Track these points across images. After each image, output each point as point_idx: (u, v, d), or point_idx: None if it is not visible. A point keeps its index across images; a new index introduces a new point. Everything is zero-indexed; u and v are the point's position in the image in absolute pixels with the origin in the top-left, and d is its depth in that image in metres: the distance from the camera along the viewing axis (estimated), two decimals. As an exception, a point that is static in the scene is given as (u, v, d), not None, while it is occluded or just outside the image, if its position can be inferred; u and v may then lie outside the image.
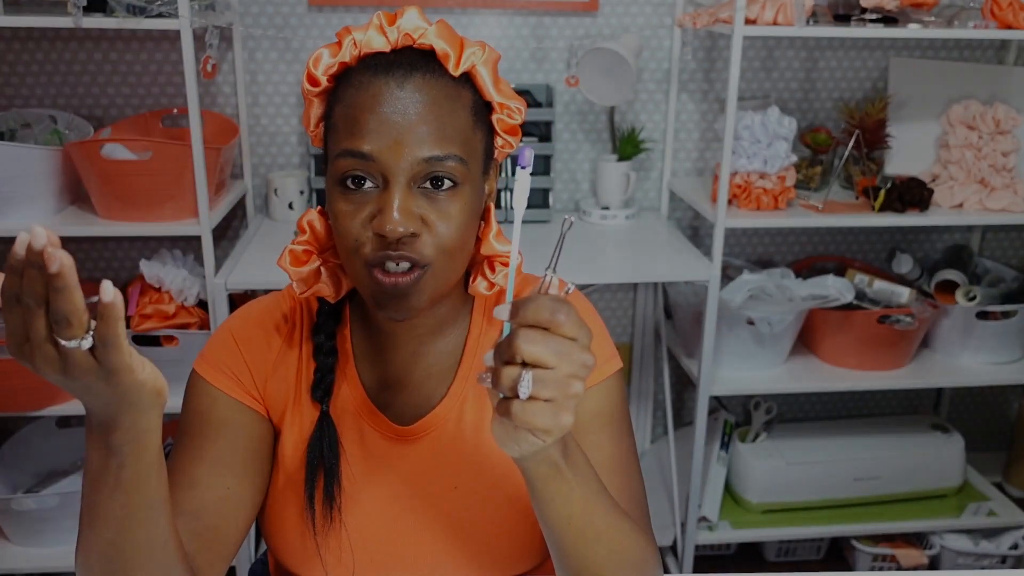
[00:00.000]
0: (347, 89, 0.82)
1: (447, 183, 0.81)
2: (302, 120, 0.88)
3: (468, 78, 0.85)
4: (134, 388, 0.63)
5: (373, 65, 0.81)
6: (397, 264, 0.81)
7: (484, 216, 0.90)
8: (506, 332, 0.65)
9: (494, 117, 0.87)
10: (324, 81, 0.84)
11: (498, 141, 0.89)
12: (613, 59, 1.99)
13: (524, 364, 0.63)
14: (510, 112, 0.87)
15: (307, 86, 0.85)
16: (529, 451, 0.67)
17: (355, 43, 0.82)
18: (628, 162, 2.14)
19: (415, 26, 0.82)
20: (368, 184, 0.81)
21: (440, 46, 0.82)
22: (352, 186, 0.81)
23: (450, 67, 0.82)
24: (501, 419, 0.65)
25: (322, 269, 0.90)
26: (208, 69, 1.75)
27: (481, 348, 0.94)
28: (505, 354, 0.63)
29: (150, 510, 0.71)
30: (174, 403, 1.27)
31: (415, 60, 0.82)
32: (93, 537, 0.72)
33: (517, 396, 0.63)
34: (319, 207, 0.91)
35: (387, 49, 0.82)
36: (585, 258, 1.94)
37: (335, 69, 0.83)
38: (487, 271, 0.90)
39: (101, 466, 0.69)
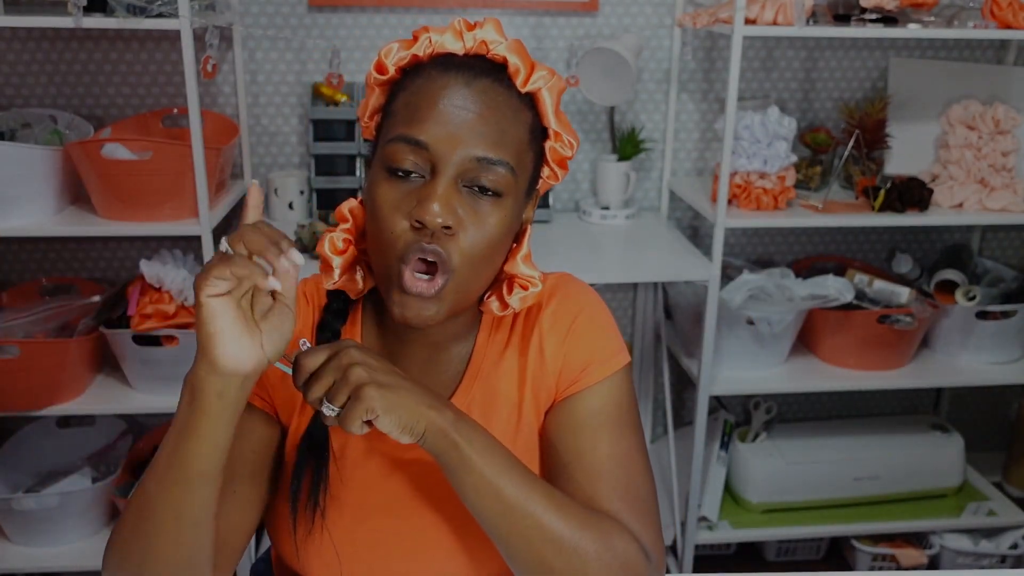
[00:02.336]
0: (414, 80, 0.84)
1: (492, 192, 0.82)
2: (358, 109, 0.90)
3: (531, 100, 0.86)
4: None
5: (443, 63, 0.83)
6: (426, 264, 0.81)
7: (518, 237, 0.91)
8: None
9: (547, 144, 0.88)
10: (392, 70, 0.85)
11: (545, 171, 0.90)
12: (613, 59, 2.00)
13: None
14: (563, 143, 0.88)
15: (375, 74, 0.86)
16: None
17: (430, 41, 0.84)
18: (628, 162, 2.14)
19: (492, 38, 0.84)
20: (415, 175, 0.82)
21: (513, 60, 0.84)
22: (400, 175, 0.82)
23: (518, 83, 0.84)
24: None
25: (355, 264, 0.90)
26: (208, 69, 1.75)
27: (488, 355, 0.94)
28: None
29: (213, 480, 0.75)
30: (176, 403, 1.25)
31: (485, 67, 0.83)
32: (153, 503, 0.75)
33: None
34: (359, 198, 0.91)
35: (460, 52, 0.84)
36: (585, 258, 1.94)
37: (406, 61, 0.85)
38: (504, 291, 0.90)
39: (188, 422, 0.72)
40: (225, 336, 0.69)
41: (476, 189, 0.82)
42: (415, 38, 0.85)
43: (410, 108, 0.82)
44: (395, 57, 0.85)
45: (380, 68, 0.86)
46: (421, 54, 0.84)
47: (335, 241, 0.88)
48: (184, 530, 0.75)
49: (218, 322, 0.68)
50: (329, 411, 0.75)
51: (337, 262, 0.88)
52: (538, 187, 0.91)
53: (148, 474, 0.76)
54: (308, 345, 0.77)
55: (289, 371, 0.78)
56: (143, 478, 0.77)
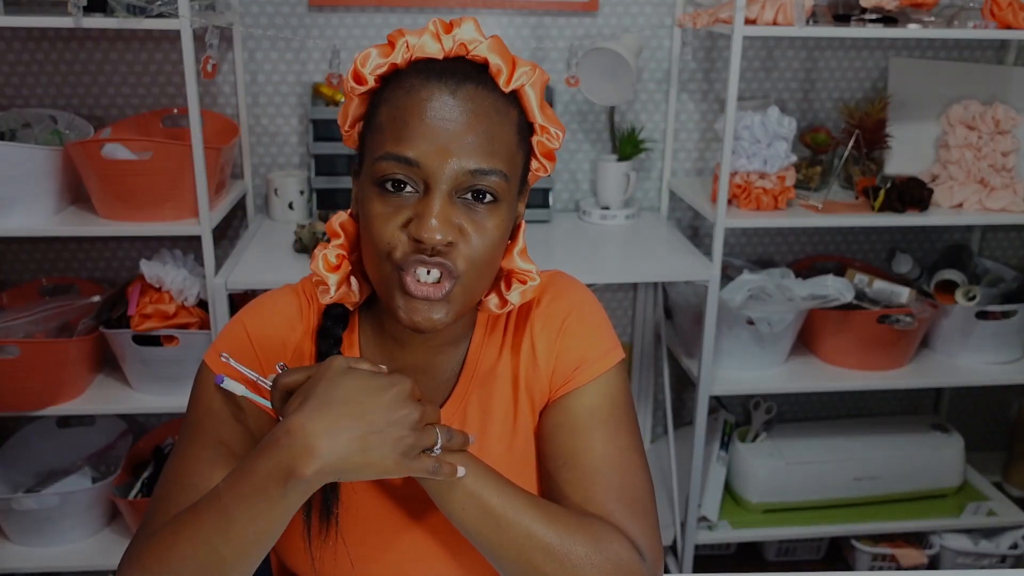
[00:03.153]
0: (396, 91, 0.81)
1: (488, 197, 0.81)
2: (338, 117, 0.89)
3: (515, 97, 0.85)
4: None
5: (424, 70, 0.81)
6: (428, 272, 0.80)
7: (513, 233, 0.90)
8: None
9: (534, 139, 0.88)
10: (371, 81, 0.83)
11: (533, 164, 0.90)
12: (613, 59, 2.00)
13: None
14: (550, 136, 0.87)
15: (352, 84, 0.84)
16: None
17: (408, 46, 0.82)
18: (628, 162, 2.14)
19: (471, 38, 0.82)
20: (408, 189, 0.80)
21: (494, 60, 0.82)
22: (391, 189, 0.81)
23: (501, 82, 0.83)
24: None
25: (351, 277, 0.90)
26: (208, 69, 1.75)
27: (483, 357, 0.94)
28: None
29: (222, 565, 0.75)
30: (182, 402, 1.26)
31: (467, 70, 0.82)
32: (191, 549, 0.76)
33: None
34: (349, 211, 0.91)
35: (440, 56, 0.82)
36: (585, 258, 1.94)
37: (384, 69, 0.83)
38: (503, 287, 0.90)
39: (275, 506, 0.74)
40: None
41: (471, 198, 0.81)
42: (391, 43, 0.82)
43: (396, 123, 0.80)
44: (372, 65, 0.82)
45: (358, 78, 0.83)
46: (399, 61, 0.82)
47: (328, 258, 0.88)
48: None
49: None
50: None
51: (333, 279, 0.87)
52: (528, 180, 0.91)
53: (215, 533, 0.75)
54: (286, 367, 0.79)
55: (257, 398, 0.81)
56: (202, 531, 0.76)
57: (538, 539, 0.80)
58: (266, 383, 0.80)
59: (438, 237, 0.78)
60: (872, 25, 1.85)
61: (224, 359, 0.82)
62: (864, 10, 1.85)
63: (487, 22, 2.12)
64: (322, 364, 0.78)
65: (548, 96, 2.10)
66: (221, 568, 0.75)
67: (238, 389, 0.79)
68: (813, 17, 1.88)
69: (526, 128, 0.86)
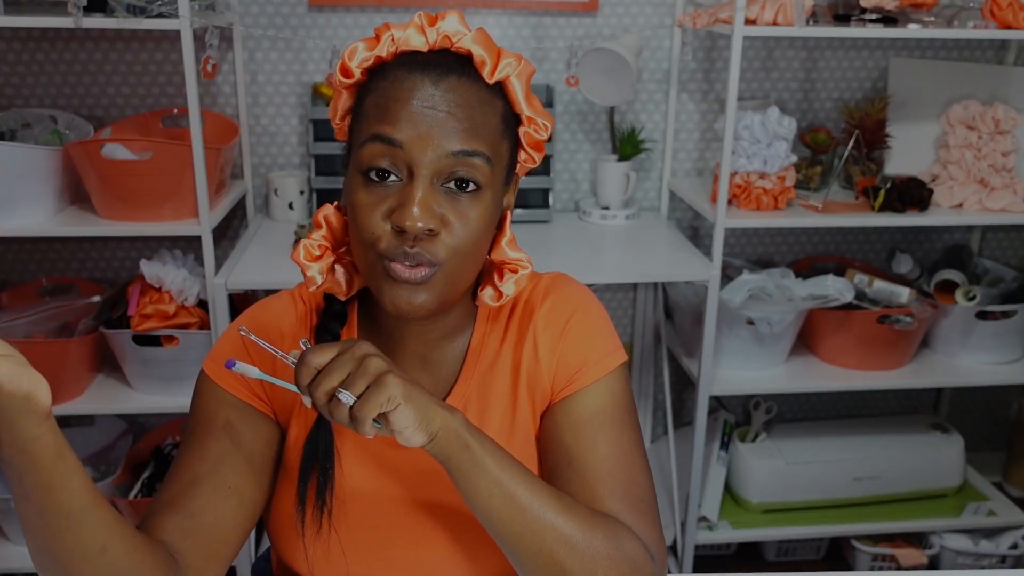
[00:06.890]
0: (381, 82, 0.82)
1: (471, 185, 0.82)
2: (328, 111, 0.89)
3: (501, 88, 0.85)
4: None
5: (409, 62, 0.82)
6: (409, 263, 0.80)
7: (500, 223, 0.90)
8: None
9: (521, 130, 0.88)
10: (357, 73, 0.84)
11: (521, 155, 0.90)
12: (613, 59, 2.00)
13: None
14: (537, 127, 0.88)
15: (340, 77, 0.85)
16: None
17: (393, 39, 0.83)
18: (628, 162, 2.14)
19: (455, 30, 0.83)
20: (392, 178, 0.81)
21: (478, 52, 0.83)
22: (376, 178, 0.81)
23: (485, 74, 0.83)
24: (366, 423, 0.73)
25: (336, 266, 0.90)
26: (208, 69, 1.75)
27: (485, 350, 0.94)
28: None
29: (68, 518, 0.71)
30: (182, 402, 1.26)
31: (451, 62, 0.82)
32: (29, 543, 0.74)
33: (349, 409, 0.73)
34: (335, 203, 0.91)
35: (424, 49, 0.83)
36: (585, 258, 1.94)
37: (370, 63, 0.84)
38: (496, 279, 0.90)
39: (7, 476, 0.69)
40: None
41: (454, 186, 0.82)
42: (377, 37, 0.84)
43: (380, 109, 0.81)
44: (359, 58, 0.84)
45: (344, 71, 0.85)
46: (385, 54, 0.83)
47: (310, 249, 0.88)
48: (92, 560, 0.74)
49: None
50: (347, 398, 0.72)
51: (314, 269, 0.88)
52: (516, 171, 0.91)
53: (34, 543, 0.73)
54: (310, 344, 0.76)
55: (273, 379, 0.77)
56: (27, 543, 0.74)
57: (560, 532, 0.80)
58: (288, 359, 0.77)
59: (419, 225, 0.78)
60: (872, 25, 1.86)
61: (243, 332, 0.79)
62: (864, 10, 1.85)
63: (487, 22, 2.12)
64: (348, 341, 0.76)
65: (548, 96, 2.10)
66: (58, 560, 0.74)
67: (252, 372, 0.77)
68: (813, 17, 1.88)
69: (512, 119, 0.87)
